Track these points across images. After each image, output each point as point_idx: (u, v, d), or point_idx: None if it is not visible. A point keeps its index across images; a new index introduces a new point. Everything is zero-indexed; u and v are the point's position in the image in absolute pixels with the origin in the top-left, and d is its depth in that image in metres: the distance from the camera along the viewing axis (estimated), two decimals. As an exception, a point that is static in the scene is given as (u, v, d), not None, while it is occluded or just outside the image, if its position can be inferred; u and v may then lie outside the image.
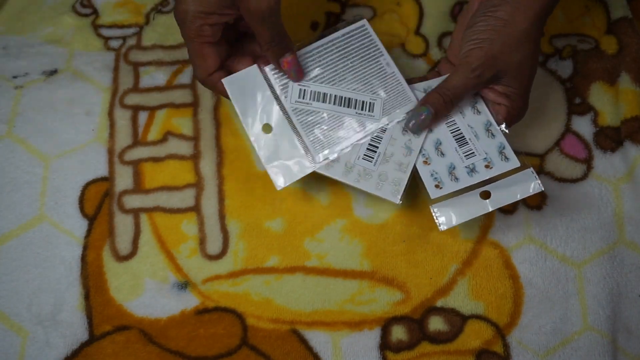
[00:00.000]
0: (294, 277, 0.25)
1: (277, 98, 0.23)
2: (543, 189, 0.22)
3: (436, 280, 0.25)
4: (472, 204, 0.23)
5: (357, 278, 0.25)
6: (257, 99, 0.23)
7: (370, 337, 0.24)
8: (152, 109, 0.28)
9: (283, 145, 0.23)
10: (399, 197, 0.23)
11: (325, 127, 0.23)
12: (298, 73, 0.22)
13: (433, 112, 0.22)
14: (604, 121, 0.27)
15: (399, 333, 0.24)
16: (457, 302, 0.24)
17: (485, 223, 0.25)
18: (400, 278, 0.25)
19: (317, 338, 0.24)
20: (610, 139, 0.27)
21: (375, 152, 0.24)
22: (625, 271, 0.25)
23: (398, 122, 0.24)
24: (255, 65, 0.22)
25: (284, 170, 0.23)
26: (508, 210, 0.25)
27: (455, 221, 0.23)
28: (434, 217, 0.23)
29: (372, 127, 0.23)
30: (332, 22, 0.29)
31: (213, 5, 0.19)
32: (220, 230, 0.25)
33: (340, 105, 0.23)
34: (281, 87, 0.23)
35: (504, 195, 0.23)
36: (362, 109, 0.24)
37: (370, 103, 0.24)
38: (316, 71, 0.22)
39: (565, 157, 0.26)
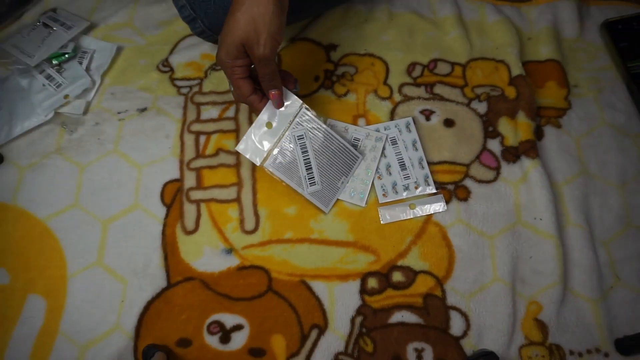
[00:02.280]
0: (303, 246, 0.27)
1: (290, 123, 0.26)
2: (447, 209, 0.27)
3: (397, 247, 0.27)
4: (403, 210, 0.27)
5: (344, 246, 0.27)
6: (279, 113, 0.26)
7: (354, 286, 0.26)
8: (209, 134, 0.31)
9: (266, 141, 0.26)
10: (364, 202, 0.28)
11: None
12: (278, 103, 0.25)
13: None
14: (507, 142, 0.30)
15: (372, 283, 0.26)
16: (411, 262, 0.27)
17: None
18: (373, 246, 0.27)
19: (318, 286, 0.26)
20: (512, 154, 0.31)
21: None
22: (521, 241, 0.28)
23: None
24: (296, 99, 0.26)
25: (260, 153, 0.26)
26: (446, 200, 0.28)
27: (390, 220, 0.27)
28: (379, 214, 0.27)
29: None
30: (328, 76, 0.33)
31: (234, 54, 0.21)
32: (253, 214, 0.28)
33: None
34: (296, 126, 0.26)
35: (423, 209, 0.27)
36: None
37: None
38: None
39: (482, 166, 0.30)
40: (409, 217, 0.28)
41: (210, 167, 0.30)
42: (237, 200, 0.28)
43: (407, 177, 0.28)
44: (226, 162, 0.30)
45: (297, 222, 0.28)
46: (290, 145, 0.26)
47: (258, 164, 0.26)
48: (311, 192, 0.27)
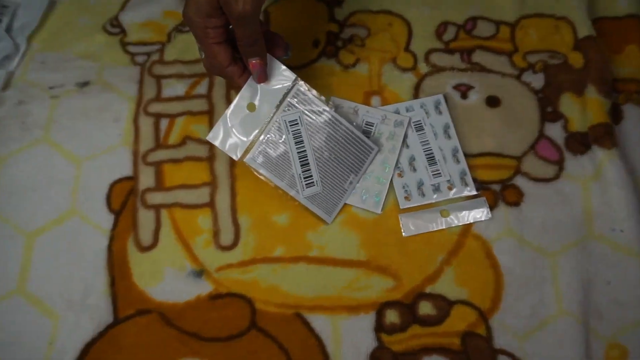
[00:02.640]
0: (297, 266, 0.25)
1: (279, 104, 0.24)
2: (490, 217, 0.25)
3: (425, 268, 0.25)
4: (432, 219, 0.25)
5: (354, 267, 0.25)
6: (267, 88, 0.24)
7: (366, 320, 0.24)
8: (173, 117, 0.28)
9: (247, 128, 0.23)
10: (380, 208, 0.25)
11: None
12: (260, 77, 0.22)
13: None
14: (573, 127, 0.28)
15: (392, 317, 0.24)
16: (444, 288, 0.25)
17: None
18: (392, 267, 0.25)
19: (318, 321, 0.24)
20: (579, 142, 0.28)
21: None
22: (594, 261, 0.25)
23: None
24: (288, 72, 0.23)
25: (241, 144, 0.24)
26: (490, 205, 0.26)
27: (414, 231, 0.25)
28: (400, 224, 0.25)
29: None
30: (332, 40, 0.30)
31: (207, 11, 0.19)
32: (232, 223, 0.26)
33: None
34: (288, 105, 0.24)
35: (458, 217, 0.25)
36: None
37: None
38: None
39: (539, 159, 0.27)
40: (440, 228, 0.26)
41: (175, 161, 0.27)
42: (210, 205, 0.26)
43: (437, 175, 0.26)
44: (195, 155, 0.28)
45: (290, 234, 0.26)
46: (281, 134, 0.24)
47: (237, 158, 0.24)
48: (309, 195, 0.25)
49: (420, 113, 0.28)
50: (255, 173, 0.25)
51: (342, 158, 0.25)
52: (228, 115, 0.23)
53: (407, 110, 0.28)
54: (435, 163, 0.26)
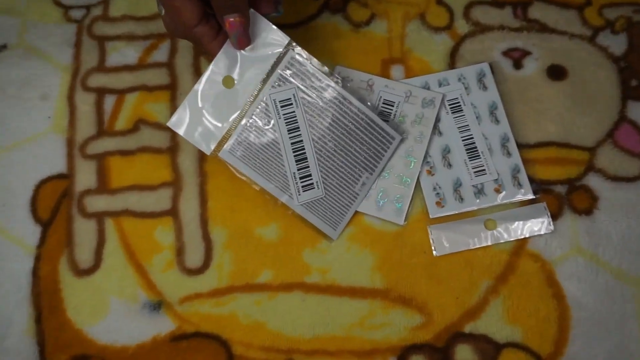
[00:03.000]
0: (290, 296, 0.24)
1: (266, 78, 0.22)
2: (553, 229, 0.23)
3: (464, 299, 0.23)
4: (473, 232, 0.24)
5: (367, 297, 0.24)
6: (249, 55, 0.22)
7: None
8: (121, 93, 0.27)
9: (223, 111, 0.22)
10: (403, 218, 0.24)
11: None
12: (240, 40, 0.20)
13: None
14: None
15: None
16: (490, 327, 0.23)
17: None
18: (420, 297, 0.24)
19: None
20: None
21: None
22: None
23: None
24: (278, 33, 0.21)
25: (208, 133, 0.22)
26: (552, 214, 0.24)
27: (449, 250, 0.23)
28: (430, 239, 0.24)
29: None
30: None
31: None
32: (201, 238, 0.24)
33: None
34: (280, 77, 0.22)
35: (509, 229, 0.23)
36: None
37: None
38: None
39: (619, 151, 0.25)
40: (484, 245, 0.24)
41: (124, 154, 0.26)
42: (172, 213, 0.25)
43: (480, 171, 0.24)
44: (153, 145, 0.26)
45: (280, 253, 0.24)
46: (268, 118, 0.22)
47: (209, 151, 0.22)
48: (306, 201, 0.23)
49: (458, 88, 0.26)
50: (233, 171, 0.23)
51: (351, 151, 0.23)
52: (199, 94, 0.22)
53: (440, 84, 0.26)
54: (477, 156, 0.24)
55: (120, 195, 0.25)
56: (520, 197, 0.24)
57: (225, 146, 0.22)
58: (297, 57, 0.22)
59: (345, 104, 0.23)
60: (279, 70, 0.22)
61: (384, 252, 0.24)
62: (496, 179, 0.24)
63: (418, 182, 0.24)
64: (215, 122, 0.22)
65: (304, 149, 0.23)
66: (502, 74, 0.26)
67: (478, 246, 0.23)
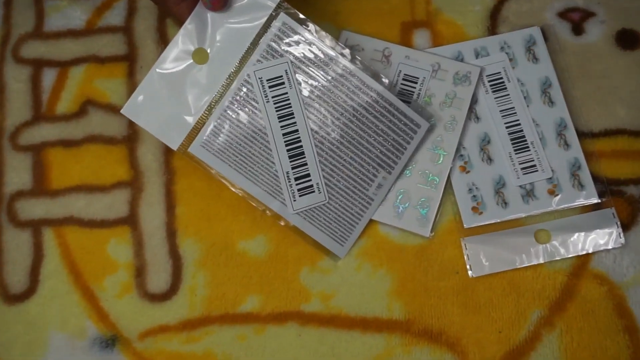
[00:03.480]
0: (283, 329, 0.23)
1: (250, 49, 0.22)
2: (624, 243, 0.23)
3: (508, 334, 0.23)
4: (520, 247, 0.23)
5: (383, 330, 0.23)
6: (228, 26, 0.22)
7: None
8: (64, 65, 0.26)
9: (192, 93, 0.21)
10: (429, 228, 0.23)
11: None
12: (215, 1, 0.20)
13: None
14: None
15: None
16: None
17: None
18: (451, 331, 0.23)
19: None
20: None
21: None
22: None
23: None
24: None
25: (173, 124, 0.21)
26: (623, 223, 0.24)
27: (489, 269, 0.23)
28: (465, 256, 0.23)
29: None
30: None
31: None
32: (168, 254, 0.24)
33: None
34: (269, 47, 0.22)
35: (567, 243, 0.23)
36: None
37: None
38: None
39: None
40: (534, 263, 0.23)
41: (68, 145, 0.25)
42: (131, 221, 0.25)
43: (529, 168, 0.24)
44: (104, 133, 0.26)
45: (269, 273, 0.24)
46: (253, 102, 0.22)
47: (176, 146, 0.22)
48: (304, 209, 0.23)
49: (501, 60, 0.25)
50: (208, 170, 0.22)
51: (363, 143, 0.23)
52: (161, 71, 0.21)
53: (478, 54, 0.25)
54: (526, 148, 0.24)
55: (62, 199, 0.24)
56: (581, 202, 0.23)
57: (197, 139, 0.21)
58: (291, 22, 0.21)
59: (354, 82, 0.22)
60: (267, 40, 0.21)
61: (404, 272, 0.23)
62: (550, 178, 0.23)
63: (449, 181, 0.24)
64: (183, 108, 0.21)
65: (299, 141, 0.22)
66: (557, 42, 0.25)
67: (527, 265, 0.23)
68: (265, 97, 0.22)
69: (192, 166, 0.24)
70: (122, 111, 0.21)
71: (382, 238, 0.24)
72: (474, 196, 0.23)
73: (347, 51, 0.22)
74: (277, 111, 0.22)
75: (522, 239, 0.23)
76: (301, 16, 0.21)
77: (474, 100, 0.24)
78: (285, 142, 0.22)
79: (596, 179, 0.24)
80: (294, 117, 0.22)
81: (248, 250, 0.23)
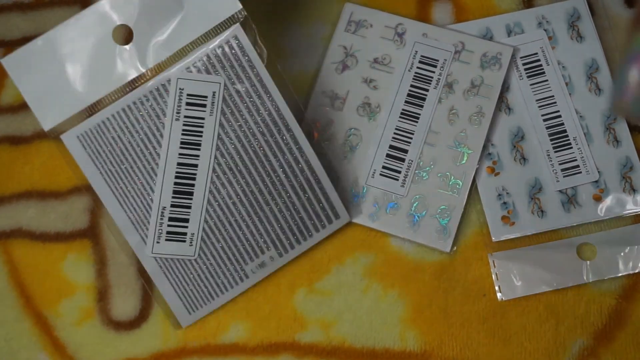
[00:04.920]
0: None
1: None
2: None
3: None
4: (560, 265, 0.23)
5: None
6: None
7: None
8: (10, 45, 0.26)
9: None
10: (451, 242, 0.23)
11: None
12: None
13: None
14: None
15: None
16: None
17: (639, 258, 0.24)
18: None
19: None
20: None
21: (403, 160, 0.23)
22: None
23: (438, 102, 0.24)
24: None
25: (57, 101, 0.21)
26: None
27: (522, 292, 0.23)
28: (493, 277, 0.23)
29: None
30: None
31: None
32: (136, 273, 0.24)
33: None
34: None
35: (616, 259, 0.23)
36: None
37: None
38: None
39: None
40: (577, 283, 0.23)
41: (15, 142, 0.25)
42: (91, 233, 0.25)
43: (571, 169, 0.24)
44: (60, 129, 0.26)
45: (259, 296, 0.24)
46: (159, 113, 0.21)
47: (48, 126, 0.21)
48: (163, 255, 0.22)
49: (538, 38, 0.25)
50: (72, 169, 0.22)
51: (265, 211, 0.22)
52: (68, 30, 0.20)
53: (510, 32, 0.25)
54: (568, 145, 0.24)
55: (9, 207, 0.24)
56: (634, 209, 0.23)
57: (76, 128, 0.21)
58: (244, 39, 0.20)
59: (286, 137, 0.21)
60: (207, 48, 0.20)
61: (420, 295, 0.23)
62: (596, 181, 0.23)
63: (474, 185, 0.24)
64: (77, 88, 0.20)
65: (194, 178, 0.21)
66: (606, 16, 0.25)
67: (568, 286, 0.23)
68: (177, 113, 0.21)
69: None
70: (2, 61, 0.20)
71: (394, 253, 0.23)
72: (504, 203, 0.23)
73: (294, 99, 0.22)
74: (182, 134, 0.21)
75: (562, 255, 0.23)
76: (257, 39, 0.20)
77: (504, 88, 0.24)
78: (176, 173, 0.21)
79: None
80: (199, 149, 0.21)
81: (233, 269, 0.24)
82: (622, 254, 0.23)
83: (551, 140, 0.24)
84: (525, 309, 0.23)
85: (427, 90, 0.24)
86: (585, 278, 0.23)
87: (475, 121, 0.24)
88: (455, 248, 0.23)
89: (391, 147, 0.23)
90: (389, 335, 0.23)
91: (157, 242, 0.21)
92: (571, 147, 0.24)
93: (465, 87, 0.24)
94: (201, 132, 0.21)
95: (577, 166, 0.23)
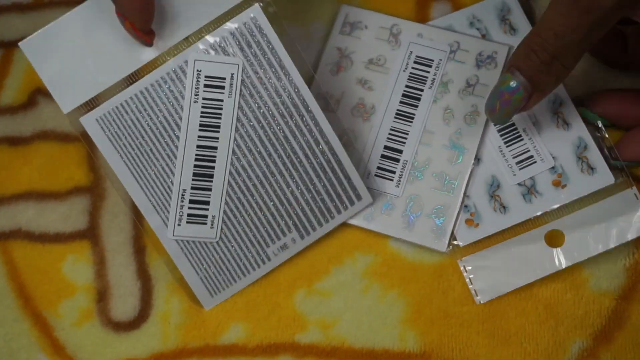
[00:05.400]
0: None
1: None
2: None
3: None
4: (531, 257, 0.23)
5: None
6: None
7: None
8: (9, 46, 0.26)
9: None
10: (446, 241, 0.23)
11: None
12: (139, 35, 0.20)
13: (527, 83, 0.20)
14: None
15: None
16: None
17: (638, 259, 0.24)
18: None
19: None
20: None
21: (398, 160, 0.23)
22: None
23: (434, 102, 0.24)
24: None
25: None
26: None
27: (498, 292, 0.23)
28: (465, 281, 0.23)
29: None
30: None
31: None
32: (135, 274, 0.24)
33: None
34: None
35: (587, 241, 0.23)
36: None
37: None
38: None
39: None
40: (550, 272, 0.23)
41: (14, 142, 0.26)
42: (90, 234, 0.25)
43: (526, 160, 0.24)
44: (59, 129, 0.26)
45: (258, 297, 0.24)
46: (177, 95, 0.21)
47: (66, 110, 0.21)
48: (185, 238, 0.22)
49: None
50: (92, 156, 0.22)
51: (287, 192, 0.22)
52: (88, 13, 0.21)
53: (473, 26, 0.25)
54: (518, 137, 0.24)
55: (8, 208, 0.25)
56: (594, 188, 0.23)
57: (95, 110, 0.21)
58: (263, 19, 0.21)
59: (307, 119, 0.22)
60: (225, 29, 0.21)
61: (420, 295, 0.23)
62: (553, 167, 0.23)
63: (469, 184, 0.24)
64: (96, 69, 0.21)
65: (214, 161, 0.21)
66: (537, 5, 0.25)
67: (542, 276, 0.23)
68: (195, 95, 0.21)
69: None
70: (20, 44, 0.20)
71: (393, 255, 0.24)
72: (466, 206, 0.23)
73: (317, 81, 0.22)
74: (201, 117, 0.21)
75: (532, 246, 0.23)
76: (280, 21, 0.21)
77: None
78: (196, 155, 0.22)
79: (608, 157, 0.23)
80: (218, 132, 0.21)
81: (232, 270, 0.24)
82: (590, 234, 0.23)
83: (501, 135, 0.24)
84: (525, 309, 0.23)
85: (422, 90, 0.24)
86: (558, 265, 0.23)
87: (470, 120, 0.24)
88: (450, 247, 0.23)
89: (386, 147, 0.23)
90: (389, 335, 0.23)
91: (178, 225, 0.22)
92: (522, 139, 0.24)
93: (460, 86, 0.24)
94: (220, 114, 0.21)
95: (532, 156, 0.23)
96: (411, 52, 0.24)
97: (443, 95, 0.24)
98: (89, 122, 0.21)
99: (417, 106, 0.24)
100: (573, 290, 0.23)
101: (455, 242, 0.23)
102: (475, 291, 0.23)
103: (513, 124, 0.23)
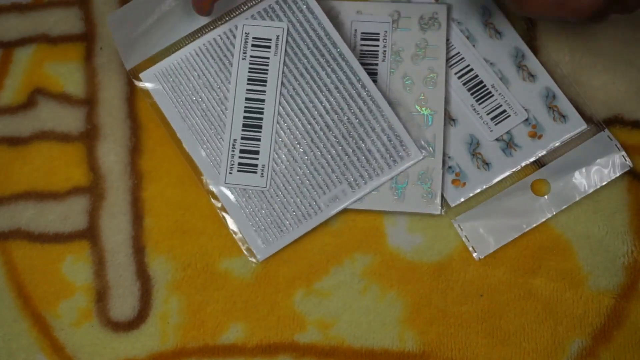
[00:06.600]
0: None
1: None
2: (632, 165, 0.23)
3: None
4: (521, 208, 0.24)
5: None
6: None
7: None
8: (8, 46, 0.27)
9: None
10: (438, 203, 0.24)
11: None
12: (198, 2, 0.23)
13: None
14: None
15: None
16: None
17: (636, 257, 0.24)
18: (495, 357, 0.24)
19: None
20: None
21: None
22: None
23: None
24: None
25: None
26: (625, 145, 0.24)
27: (496, 245, 0.23)
28: (462, 239, 0.24)
29: None
30: None
31: None
32: (134, 274, 0.24)
33: None
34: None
35: (571, 186, 0.23)
36: None
37: None
38: None
39: None
40: (542, 220, 0.24)
41: (13, 143, 0.26)
42: (89, 234, 0.25)
43: (500, 115, 0.24)
44: (58, 129, 0.26)
45: (257, 297, 0.24)
46: (226, 53, 0.24)
47: (129, 66, 0.25)
48: (236, 186, 0.24)
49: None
50: (156, 118, 0.24)
51: (335, 146, 0.24)
52: None
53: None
54: (488, 94, 0.24)
55: (7, 208, 0.25)
56: (569, 135, 0.24)
57: (154, 67, 0.24)
58: None
59: (353, 80, 0.23)
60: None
61: (418, 295, 0.24)
62: (527, 119, 0.24)
63: (446, 143, 0.24)
64: (156, 32, 0.23)
65: (261, 112, 0.23)
66: None
67: (535, 225, 0.23)
68: (244, 53, 0.24)
69: (163, 169, 0.25)
70: (108, 18, 0.23)
71: (391, 254, 0.24)
72: (450, 167, 0.24)
73: (358, 46, 0.23)
74: (249, 72, 0.24)
75: (520, 198, 0.23)
76: None
77: (449, 44, 0.24)
78: (245, 107, 0.24)
79: (578, 103, 0.24)
80: (265, 85, 0.23)
81: (231, 270, 0.24)
82: (574, 178, 0.23)
83: (472, 94, 0.24)
84: (524, 309, 0.23)
85: (376, 64, 0.24)
86: (547, 213, 0.23)
87: (430, 82, 0.24)
88: (444, 210, 0.24)
89: None
90: (388, 335, 0.23)
91: (230, 173, 0.23)
92: (492, 95, 0.24)
93: (411, 52, 0.24)
94: (267, 69, 0.24)
95: (504, 111, 0.24)
96: (355, 29, 0.25)
97: (398, 65, 0.24)
98: (148, 77, 0.24)
99: (376, 81, 0.24)
100: (572, 289, 0.23)
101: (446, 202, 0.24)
102: (472, 247, 0.23)
103: (482, 81, 0.24)
